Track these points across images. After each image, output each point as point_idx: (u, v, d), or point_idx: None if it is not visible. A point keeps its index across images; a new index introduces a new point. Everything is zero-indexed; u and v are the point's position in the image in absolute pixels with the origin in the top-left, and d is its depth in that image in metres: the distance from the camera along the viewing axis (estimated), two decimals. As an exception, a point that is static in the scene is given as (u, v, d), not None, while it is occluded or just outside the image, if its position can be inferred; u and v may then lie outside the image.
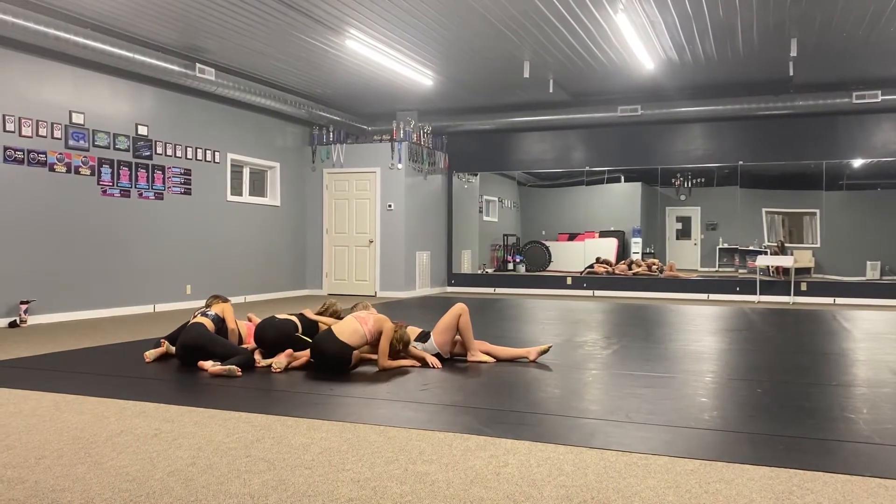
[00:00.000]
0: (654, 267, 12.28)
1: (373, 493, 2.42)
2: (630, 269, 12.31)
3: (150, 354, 5.06)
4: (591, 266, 12.58)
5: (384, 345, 4.66)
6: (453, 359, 5.07)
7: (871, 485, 2.49)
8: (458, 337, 5.05)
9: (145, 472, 2.65)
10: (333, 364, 4.57)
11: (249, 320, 5.48)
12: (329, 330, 4.59)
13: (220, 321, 5.03)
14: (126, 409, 3.61)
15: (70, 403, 3.75)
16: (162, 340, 5.20)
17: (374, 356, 4.85)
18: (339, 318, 5.30)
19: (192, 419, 3.41)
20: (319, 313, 5.40)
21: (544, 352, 5.08)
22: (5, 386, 4.21)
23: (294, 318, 5.09)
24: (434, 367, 4.74)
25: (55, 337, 6.45)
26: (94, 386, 4.21)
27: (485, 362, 4.96)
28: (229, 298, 5.59)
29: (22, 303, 7.30)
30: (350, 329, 4.57)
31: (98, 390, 4.07)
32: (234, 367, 4.46)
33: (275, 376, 4.51)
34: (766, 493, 2.41)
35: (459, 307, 4.96)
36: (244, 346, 5.21)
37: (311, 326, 5.13)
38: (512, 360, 5.03)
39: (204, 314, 5.01)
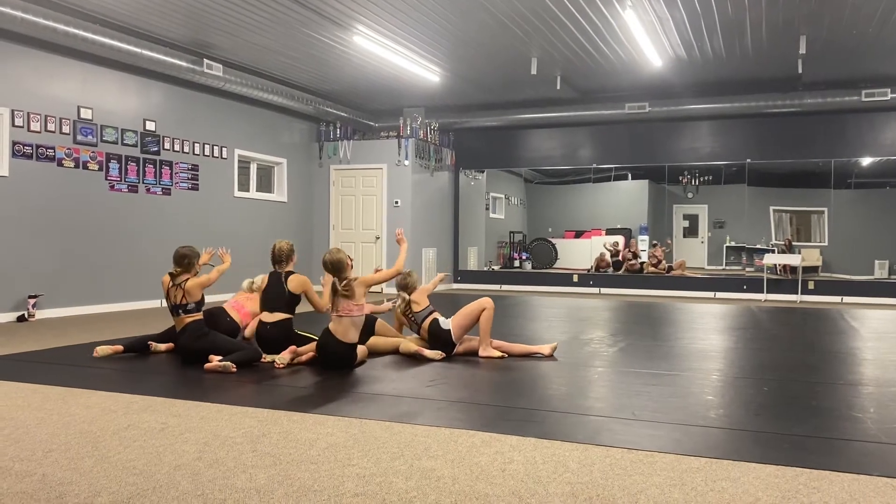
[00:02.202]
0: (661, 265, 12.24)
1: (378, 489, 2.42)
2: (636, 259, 12.25)
3: (101, 351, 4.98)
4: (613, 255, 12.51)
5: (371, 280, 4.68)
6: (458, 355, 5.08)
7: (878, 484, 2.48)
8: (467, 337, 5.07)
9: (152, 466, 2.66)
10: (339, 362, 4.58)
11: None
12: (327, 330, 4.58)
13: (200, 306, 4.83)
14: (133, 404, 3.63)
15: (77, 397, 3.77)
16: (150, 343, 5.16)
17: (386, 345, 4.96)
18: (291, 260, 5.18)
19: (199, 414, 3.42)
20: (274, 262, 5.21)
21: (555, 349, 5.12)
22: (13, 379, 4.23)
23: (288, 316, 4.96)
24: (434, 359, 4.83)
25: (63, 331, 6.48)
26: (102, 380, 4.23)
27: (496, 358, 4.97)
28: (200, 256, 5.13)
29: (30, 297, 7.33)
30: (343, 327, 4.53)
31: (105, 384, 4.09)
32: (228, 363, 4.46)
33: (281, 372, 4.53)
34: (772, 491, 2.40)
35: (486, 301, 5.00)
36: (244, 331, 5.22)
37: (293, 303, 5.03)
38: (523, 356, 5.05)
39: (185, 310, 4.77)
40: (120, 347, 5.07)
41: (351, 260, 4.78)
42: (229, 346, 4.74)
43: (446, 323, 5.02)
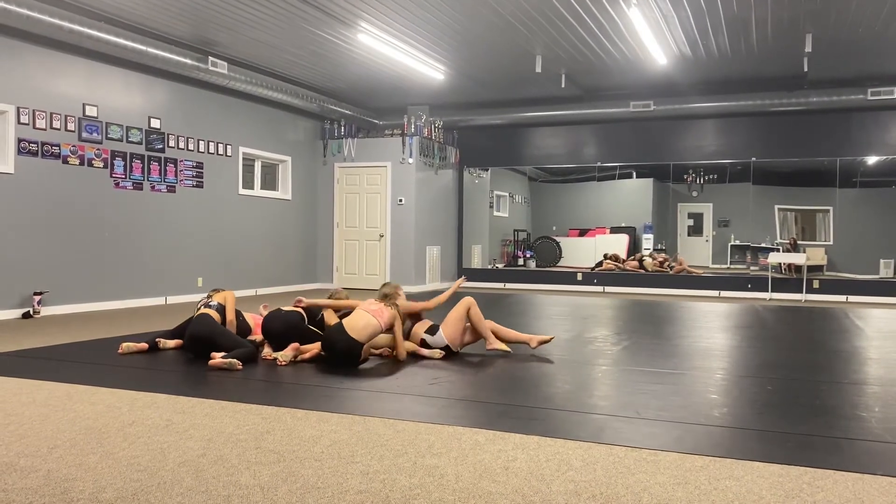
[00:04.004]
0: (665, 263, 12.23)
1: (382, 486, 2.42)
2: (641, 264, 12.27)
3: (126, 347, 5.03)
4: (601, 263, 12.56)
5: (399, 336, 4.77)
6: (461, 353, 5.08)
7: (882, 483, 2.48)
8: (467, 324, 5.07)
9: (156, 462, 2.67)
10: (343, 358, 4.59)
11: (265, 308, 5.50)
12: (340, 324, 4.61)
13: (222, 309, 5.08)
14: (138, 400, 3.64)
15: (82, 394, 3.79)
16: (158, 339, 5.22)
17: (385, 351, 4.92)
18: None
19: (203, 411, 3.43)
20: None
21: (545, 342, 5.11)
22: (19, 376, 4.25)
23: (300, 309, 5.11)
24: (433, 357, 4.86)
25: (68, 328, 6.50)
26: (107, 376, 4.25)
27: (503, 350, 5.01)
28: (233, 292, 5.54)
29: (35, 294, 7.36)
30: (362, 323, 4.57)
31: (110, 381, 4.10)
32: (234, 360, 4.47)
33: (285, 369, 4.53)
34: (775, 490, 2.40)
35: (468, 300, 4.99)
36: (252, 337, 5.25)
37: (316, 314, 5.18)
38: (514, 343, 5.12)
39: (207, 305, 5.04)
40: (145, 346, 5.11)
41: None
42: (230, 343, 4.76)
43: (439, 338, 5.00)
